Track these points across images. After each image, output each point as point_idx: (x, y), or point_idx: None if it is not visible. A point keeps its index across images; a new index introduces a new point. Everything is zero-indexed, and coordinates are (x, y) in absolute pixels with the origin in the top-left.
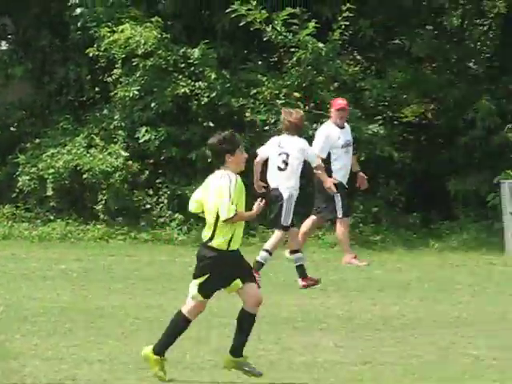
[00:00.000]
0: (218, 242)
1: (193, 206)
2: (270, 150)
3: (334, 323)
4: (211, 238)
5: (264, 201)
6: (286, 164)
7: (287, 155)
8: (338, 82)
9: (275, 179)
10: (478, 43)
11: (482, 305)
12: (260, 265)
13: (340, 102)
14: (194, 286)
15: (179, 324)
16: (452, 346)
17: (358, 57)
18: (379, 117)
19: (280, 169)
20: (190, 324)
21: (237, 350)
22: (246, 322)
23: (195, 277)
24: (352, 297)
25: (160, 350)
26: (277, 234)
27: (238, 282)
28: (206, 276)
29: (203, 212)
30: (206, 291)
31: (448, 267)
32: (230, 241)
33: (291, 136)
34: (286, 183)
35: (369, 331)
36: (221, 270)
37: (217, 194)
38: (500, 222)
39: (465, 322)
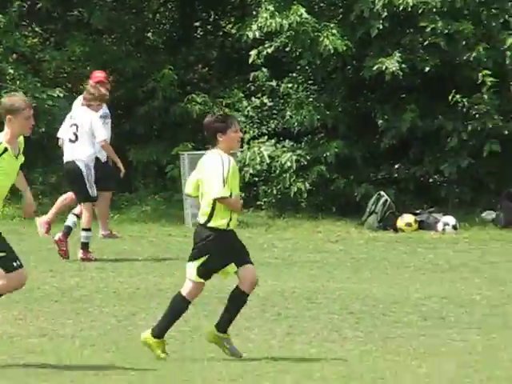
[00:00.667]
0: (217, 223)
1: (189, 188)
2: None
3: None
4: (209, 219)
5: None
6: (76, 136)
7: (77, 127)
8: (16, 53)
9: (69, 151)
10: (157, 14)
11: (153, 276)
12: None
13: (98, 74)
14: (192, 268)
15: (179, 306)
16: (131, 318)
17: (37, 28)
18: (59, 88)
19: (71, 140)
20: (190, 306)
21: (223, 325)
22: (238, 299)
23: (193, 258)
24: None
25: (160, 333)
26: (86, 208)
27: (232, 266)
28: (206, 257)
29: (197, 196)
30: (205, 272)
31: (129, 239)
32: (229, 221)
33: (83, 107)
34: (79, 155)
35: (48, 303)
36: (220, 249)
37: (211, 174)
38: (179, 194)
39: (143, 294)
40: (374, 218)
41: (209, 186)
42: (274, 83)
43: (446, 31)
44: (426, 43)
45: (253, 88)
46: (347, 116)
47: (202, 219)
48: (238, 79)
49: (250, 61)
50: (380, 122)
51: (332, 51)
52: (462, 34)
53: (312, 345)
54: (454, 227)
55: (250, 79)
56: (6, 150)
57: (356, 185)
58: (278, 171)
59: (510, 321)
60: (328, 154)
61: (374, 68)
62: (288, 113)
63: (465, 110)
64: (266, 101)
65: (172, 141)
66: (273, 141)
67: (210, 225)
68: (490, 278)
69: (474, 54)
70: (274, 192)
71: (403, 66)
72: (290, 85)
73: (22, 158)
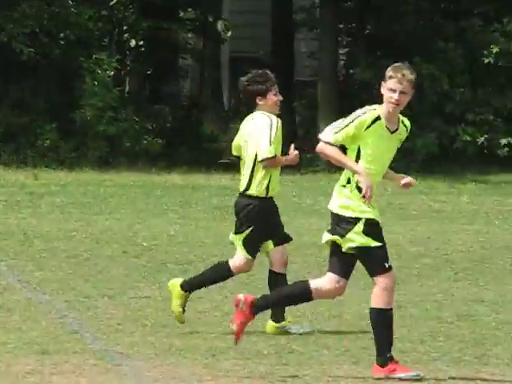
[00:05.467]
0: (256, 189)
1: (234, 150)
2: None
3: None
4: (248, 186)
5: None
6: None
7: None
8: None
9: None
10: None
11: None
12: None
13: None
14: (237, 242)
15: (220, 273)
16: None
17: None
18: None
19: None
20: (232, 277)
21: (275, 314)
22: (277, 283)
23: (237, 232)
24: None
25: (189, 288)
26: None
27: (270, 243)
28: (249, 229)
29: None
30: (251, 247)
31: None
32: (268, 187)
33: None
34: None
35: None
36: (263, 219)
37: (256, 135)
38: None
39: None
40: None
41: (253, 147)
42: None
43: None
44: None
45: None
46: None
47: (240, 187)
48: None
49: None
50: None
51: None
52: None
53: None
54: None
55: None
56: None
57: None
58: None
59: None
60: None
61: None
62: None
63: None
64: None
65: None
66: None
67: (248, 192)
68: None
69: None
70: None
71: None
72: None
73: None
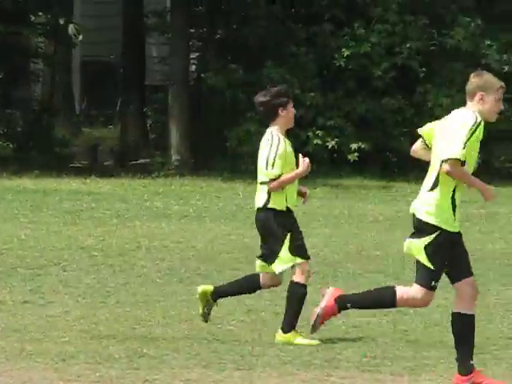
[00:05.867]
0: (276, 202)
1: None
2: None
3: None
4: (268, 200)
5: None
6: None
7: None
8: None
9: None
10: None
11: None
12: None
13: None
14: (285, 253)
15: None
16: None
17: None
18: None
19: None
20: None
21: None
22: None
23: (279, 246)
24: None
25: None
26: None
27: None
28: (289, 235)
29: None
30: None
31: None
32: (286, 198)
33: None
34: None
35: None
36: (293, 225)
37: (260, 155)
38: None
39: None
40: None
41: (260, 167)
42: None
43: None
44: None
45: None
46: None
47: (259, 203)
48: None
49: None
50: None
51: None
52: None
53: None
54: None
55: None
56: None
57: None
58: None
59: None
60: None
61: None
62: None
63: None
64: None
65: None
66: None
67: (270, 206)
68: None
69: None
70: None
71: None
72: None
73: None
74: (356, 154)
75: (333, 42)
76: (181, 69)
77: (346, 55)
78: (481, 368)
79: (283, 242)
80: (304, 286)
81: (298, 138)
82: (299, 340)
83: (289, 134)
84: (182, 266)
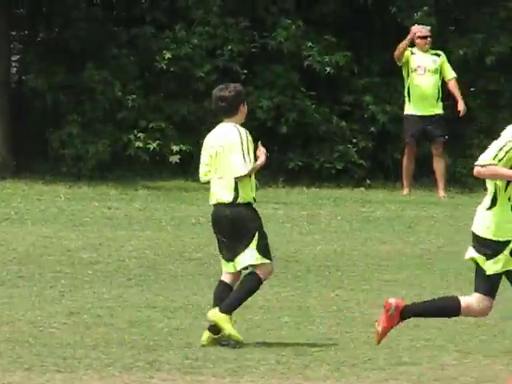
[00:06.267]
0: (246, 196)
1: (204, 171)
2: None
3: None
4: (237, 196)
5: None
6: None
7: None
8: None
9: None
10: None
11: None
12: None
13: None
14: (250, 253)
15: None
16: None
17: None
18: None
19: None
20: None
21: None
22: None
23: (247, 244)
24: None
25: (228, 309)
26: None
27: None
28: (257, 235)
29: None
30: (265, 249)
31: None
32: (251, 189)
33: None
34: None
35: None
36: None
37: (231, 150)
38: None
39: None
40: None
41: (229, 162)
42: None
43: None
44: None
45: None
46: None
47: (226, 199)
48: None
49: None
50: None
51: None
52: None
53: None
54: None
55: None
56: None
57: None
58: None
59: None
60: None
61: None
62: None
63: None
64: None
65: None
66: None
67: (239, 201)
68: None
69: None
70: None
71: None
72: None
73: None
74: (178, 155)
75: (154, 44)
76: (2, 71)
77: (167, 57)
78: (303, 370)
79: (254, 236)
80: (261, 284)
81: (119, 141)
82: (229, 327)
83: (109, 136)
84: (3, 269)
